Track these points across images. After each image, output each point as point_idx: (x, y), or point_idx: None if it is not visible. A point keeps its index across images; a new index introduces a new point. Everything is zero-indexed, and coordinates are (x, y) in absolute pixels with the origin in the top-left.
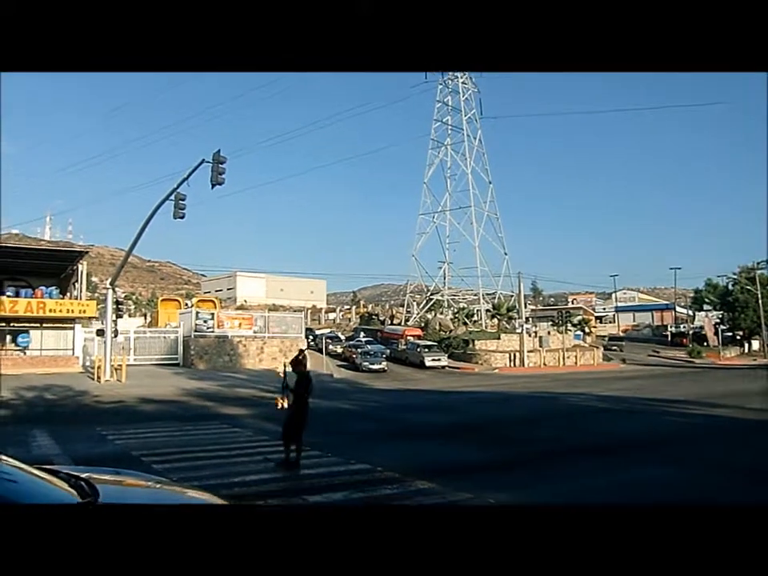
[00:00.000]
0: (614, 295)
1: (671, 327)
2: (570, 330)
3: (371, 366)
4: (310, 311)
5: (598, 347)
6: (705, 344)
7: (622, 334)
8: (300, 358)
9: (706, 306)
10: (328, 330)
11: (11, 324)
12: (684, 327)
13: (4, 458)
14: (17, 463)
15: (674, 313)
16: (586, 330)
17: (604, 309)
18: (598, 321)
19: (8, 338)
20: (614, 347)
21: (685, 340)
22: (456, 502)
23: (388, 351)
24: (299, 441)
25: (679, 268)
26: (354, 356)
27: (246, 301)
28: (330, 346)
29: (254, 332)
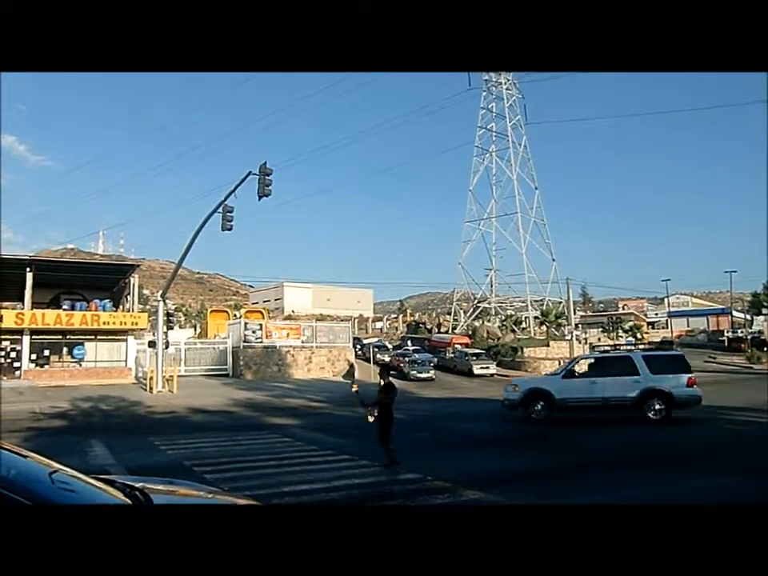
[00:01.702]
0: (666, 300)
1: (728, 332)
2: (621, 336)
3: (419, 375)
4: (357, 320)
5: None
6: (765, 349)
7: (675, 339)
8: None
9: (765, 310)
10: (375, 339)
11: (67, 336)
12: (742, 332)
13: (62, 467)
14: (74, 473)
15: (730, 317)
16: (638, 335)
17: (656, 314)
18: (650, 326)
19: (64, 350)
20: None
21: (743, 345)
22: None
23: (436, 360)
24: (386, 443)
25: (735, 271)
26: (402, 365)
27: (293, 311)
28: (378, 355)
29: (302, 342)
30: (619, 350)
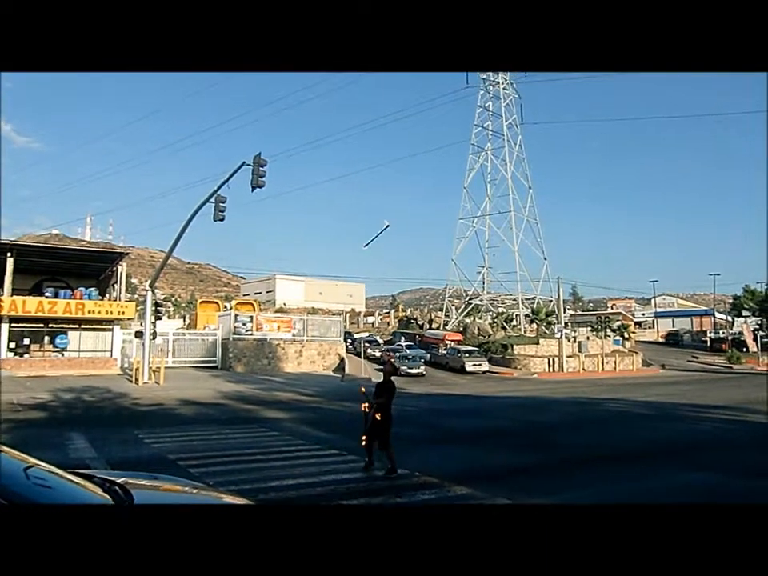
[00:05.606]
0: (653, 300)
1: (710, 333)
2: (609, 336)
3: (409, 370)
4: (348, 315)
5: (637, 352)
6: (744, 350)
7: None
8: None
9: (744, 312)
10: (366, 334)
11: (49, 325)
12: (723, 333)
13: (38, 462)
14: (51, 468)
15: (713, 319)
16: (626, 335)
17: (643, 314)
18: (638, 326)
19: (46, 339)
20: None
21: (724, 346)
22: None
23: (428, 356)
24: (388, 445)
25: (718, 274)
26: (393, 360)
27: (284, 304)
28: (369, 350)
29: (293, 335)
30: None
